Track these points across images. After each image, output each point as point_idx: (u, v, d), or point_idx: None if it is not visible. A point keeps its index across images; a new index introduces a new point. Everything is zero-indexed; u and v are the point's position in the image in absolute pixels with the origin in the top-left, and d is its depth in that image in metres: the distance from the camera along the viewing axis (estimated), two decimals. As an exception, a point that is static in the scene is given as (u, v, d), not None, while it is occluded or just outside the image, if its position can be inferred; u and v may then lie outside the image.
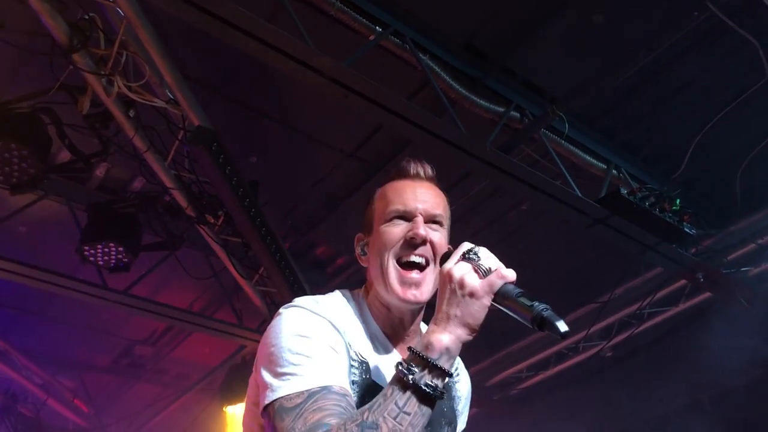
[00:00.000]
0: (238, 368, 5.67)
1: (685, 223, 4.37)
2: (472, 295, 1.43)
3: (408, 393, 1.35)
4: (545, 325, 1.37)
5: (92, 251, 4.41)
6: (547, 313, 1.38)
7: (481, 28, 4.01)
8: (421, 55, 3.87)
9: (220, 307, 5.79)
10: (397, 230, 1.61)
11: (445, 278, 1.44)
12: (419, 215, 1.62)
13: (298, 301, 1.58)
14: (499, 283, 1.45)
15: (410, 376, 1.36)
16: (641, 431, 5.98)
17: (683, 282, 5.31)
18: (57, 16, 3.24)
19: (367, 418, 1.33)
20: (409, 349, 1.41)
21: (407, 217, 1.62)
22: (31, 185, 3.86)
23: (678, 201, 4.32)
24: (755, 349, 5.13)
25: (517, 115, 4.26)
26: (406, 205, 1.63)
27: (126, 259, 4.45)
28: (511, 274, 1.46)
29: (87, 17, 3.32)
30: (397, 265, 1.60)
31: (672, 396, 5.85)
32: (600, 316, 5.46)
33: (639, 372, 5.86)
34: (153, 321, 5.91)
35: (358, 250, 1.70)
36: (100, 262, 4.46)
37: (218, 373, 6.15)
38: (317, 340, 1.48)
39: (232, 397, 5.50)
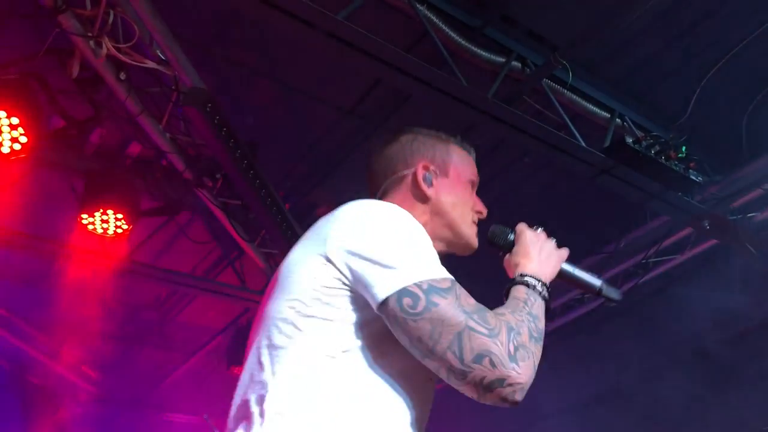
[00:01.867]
0: (243, 330, 5.67)
1: (691, 171, 4.31)
2: (552, 250, 1.70)
3: (538, 301, 1.54)
4: (602, 295, 1.75)
5: (91, 219, 4.35)
6: (605, 287, 1.76)
7: (479, -24, 3.89)
8: (418, 5, 3.75)
9: (223, 270, 5.76)
10: (473, 196, 1.84)
11: (533, 237, 1.71)
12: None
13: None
14: (564, 255, 1.74)
15: (538, 288, 1.56)
16: (646, 380, 6.02)
17: (689, 230, 5.26)
18: (40, -24, 3.12)
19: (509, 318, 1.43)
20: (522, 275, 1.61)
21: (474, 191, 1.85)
22: (24, 153, 3.77)
23: (684, 149, 4.25)
24: (762, 296, 5.13)
25: (519, 65, 4.15)
26: (476, 185, 1.87)
27: (125, 226, 4.40)
28: (566, 253, 1.75)
29: (71, -24, 3.20)
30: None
31: (677, 344, 5.87)
32: (605, 266, 5.43)
33: (644, 322, 5.86)
34: (156, 286, 5.90)
35: (422, 175, 1.75)
36: (99, 230, 4.40)
37: (224, 336, 6.18)
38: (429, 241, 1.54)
39: (238, 359, 5.52)
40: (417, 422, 1.46)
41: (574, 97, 4.39)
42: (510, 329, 1.39)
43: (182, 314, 6.52)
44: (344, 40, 3.36)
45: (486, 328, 1.36)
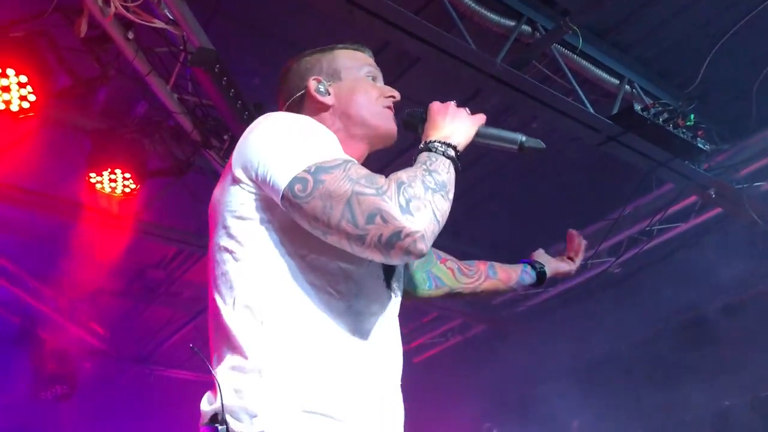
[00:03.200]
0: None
1: (698, 139, 4.30)
2: (463, 116, 1.70)
3: (440, 159, 1.56)
4: (527, 148, 1.82)
5: (99, 178, 4.38)
6: (526, 139, 1.82)
7: (490, -62, 3.83)
8: (428, -33, 3.71)
9: (229, 230, 5.80)
10: (377, 85, 1.84)
11: (441, 107, 1.70)
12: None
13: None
14: (480, 119, 1.74)
15: (440, 149, 1.58)
16: (646, 345, 6.09)
17: (694, 198, 5.27)
18: (46, -68, 3.09)
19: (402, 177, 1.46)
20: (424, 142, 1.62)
21: (378, 83, 1.85)
22: (32, 111, 3.78)
23: (692, 117, 4.23)
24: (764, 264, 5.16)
25: (529, 29, 4.11)
26: (378, 76, 1.87)
27: (133, 185, 4.43)
28: (482, 117, 1.75)
29: (78, -67, 3.17)
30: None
31: (682, 311, 5.92)
32: (610, 233, 5.45)
33: (647, 288, 5.90)
34: (163, 246, 5.95)
35: (314, 87, 1.77)
36: (108, 189, 4.43)
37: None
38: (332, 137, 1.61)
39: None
40: (353, 318, 1.53)
41: (584, 62, 4.36)
42: (400, 184, 1.43)
43: (188, 273, 6.58)
44: (352, 1, 3.33)
45: (374, 188, 1.41)
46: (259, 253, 1.52)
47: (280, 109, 1.83)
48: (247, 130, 1.61)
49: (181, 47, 3.64)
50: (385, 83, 1.89)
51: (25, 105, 3.64)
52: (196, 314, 6.79)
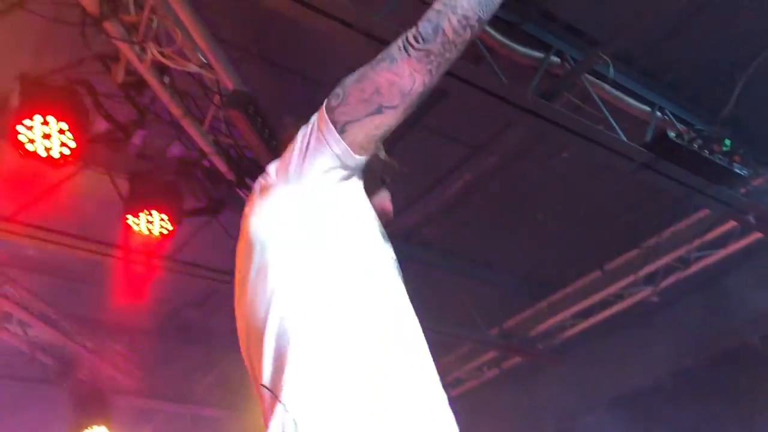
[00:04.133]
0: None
1: (735, 164, 4.24)
2: None
3: None
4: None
5: (136, 220, 4.44)
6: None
7: (516, -28, 3.86)
8: (455, 3, 3.74)
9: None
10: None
11: None
12: None
13: None
14: None
15: None
16: (692, 375, 5.94)
17: (732, 224, 5.18)
18: (85, -17, 3.19)
19: None
20: None
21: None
22: (72, 157, 3.87)
23: (728, 142, 4.18)
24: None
25: (558, 60, 4.12)
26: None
27: (169, 226, 4.48)
28: None
29: (115, -17, 3.27)
30: None
31: (722, 339, 5.78)
32: (647, 261, 5.37)
33: (687, 317, 5.79)
34: (198, 284, 5.99)
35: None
36: (145, 231, 4.49)
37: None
38: None
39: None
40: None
41: (615, 91, 4.34)
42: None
43: (223, 310, 6.61)
44: (381, 39, 3.37)
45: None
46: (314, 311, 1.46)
47: None
48: None
49: (215, 90, 3.71)
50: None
51: (66, 151, 3.73)
52: (230, 351, 6.80)
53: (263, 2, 3.18)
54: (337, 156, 1.47)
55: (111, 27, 3.32)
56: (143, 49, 3.44)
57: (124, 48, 3.44)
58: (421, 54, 1.42)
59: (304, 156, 1.49)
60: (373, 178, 1.69)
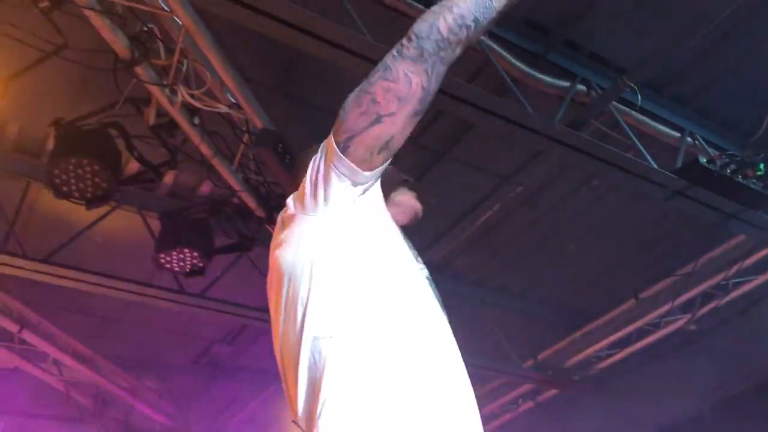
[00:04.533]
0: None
1: (770, 188, 4.15)
2: None
3: None
4: None
5: (167, 258, 4.48)
6: None
7: (540, 2, 3.87)
8: (480, 35, 3.76)
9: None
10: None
11: None
12: None
13: None
14: None
15: None
16: (729, 406, 5.77)
17: (769, 249, 5.07)
18: (117, 30, 3.27)
19: None
20: None
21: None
22: (105, 198, 3.94)
23: (762, 166, 4.10)
24: None
25: (584, 88, 4.11)
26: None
27: (201, 264, 4.51)
28: None
29: (146, 29, 3.34)
30: None
31: (764, 367, 5.62)
32: (683, 289, 5.25)
33: (727, 345, 5.64)
34: (229, 320, 6.01)
35: None
36: (176, 268, 4.53)
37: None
38: None
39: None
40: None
41: (643, 117, 4.31)
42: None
43: (255, 346, 6.62)
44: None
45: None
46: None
47: None
48: None
49: (244, 129, 3.76)
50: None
51: (99, 192, 3.79)
52: (263, 387, 6.79)
53: (290, 42, 3.22)
54: (345, 176, 1.47)
55: (142, 71, 3.40)
56: (174, 92, 3.51)
57: (155, 91, 3.51)
58: (415, 53, 1.40)
59: (316, 183, 1.50)
60: (390, 182, 1.69)
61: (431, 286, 1.62)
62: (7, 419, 6.68)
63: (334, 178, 1.47)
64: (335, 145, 1.45)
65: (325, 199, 1.49)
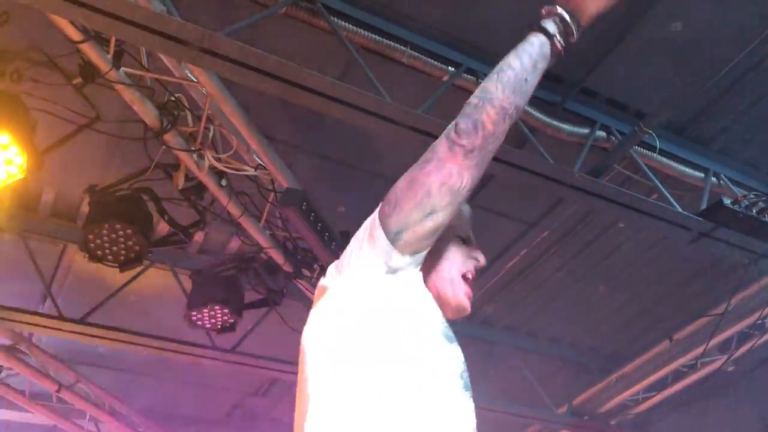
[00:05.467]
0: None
1: (799, 227, 4.10)
2: None
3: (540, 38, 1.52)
4: None
5: (199, 315, 4.58)
6: None
7: (555, 53, 3.94)
8: (496, 89, 3.83)
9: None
10: (463, 248, 1.73)
11: None
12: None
13: None
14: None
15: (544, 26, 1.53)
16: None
17: (805, 286, 4.98)
18: (146, 101, 3.42)
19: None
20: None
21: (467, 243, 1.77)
22: (137, 260, 4.05)
23: (788, 204, 4.07)
24: None
25: (603, 134, 4.14)
26: (470, 235, 1.80)
27: (231, 320, 4.59)
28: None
29: (173, 98, 3.49)
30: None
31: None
32: (717, 329, 5.16)
33: (764, 386, 5.50)
34: (261, 374, 6.05)
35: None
36: (207, 325, 4.61)
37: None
38: None
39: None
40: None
41: (665, 160, 4.31)
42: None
43: (288, 397, 6.63)
44: (426, 131, 3.47)
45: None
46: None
47: None
48: None
49: (271, 188, 3.86)
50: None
51: (131, 255, 3.91)
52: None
53: (309, 105, 3.32)
54: (387, 264, 1.46)
55: (171, 138, 3.54)
56: (201, 156, 3.64)
57: (183, 157, 3.64)
58: (465, 150, 1.43)
59: (355, 258, 1.49)
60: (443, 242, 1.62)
61: (464, 380, 1.45)
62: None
63: (374, 261, 1.47)
64: (385, 235, 1.45)
65: (358, 271, 1.48)
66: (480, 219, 5.20)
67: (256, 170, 3.77)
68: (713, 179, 4.45)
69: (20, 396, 5.87)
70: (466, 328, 5.66)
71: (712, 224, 4.10)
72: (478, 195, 4.76)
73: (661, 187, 4.15)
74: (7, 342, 5.37)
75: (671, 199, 4.13)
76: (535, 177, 3.77)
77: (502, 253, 5.24)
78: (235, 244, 4.95)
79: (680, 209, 4.09)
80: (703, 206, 4.24)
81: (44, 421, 6.31)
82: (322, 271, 4.46)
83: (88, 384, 5.94)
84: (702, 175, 4.41)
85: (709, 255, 4.73)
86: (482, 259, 1.75)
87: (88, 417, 6.25)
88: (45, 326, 4.81)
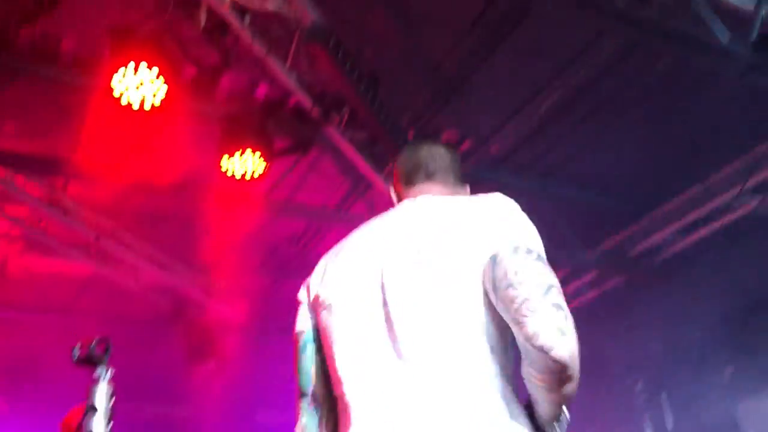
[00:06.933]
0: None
1: None
2: None
3: None
4: None
5: (231, 160, 4.57)
6: None
7: None
8: None
9: (355, 201, 5.92)
10: None
11: None
12: None
13: None
14: None
15: None
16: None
17: None
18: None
19: None
20: None
21: None
22: (166, 104, 3.98)
23: None
24: None
25: (649, -40, 3.85)
26: None
27: (264, 164, 4.59)
28: None
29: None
30: None
31: None
32: (753, 171, 5.04)
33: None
34: (292, 223, 6.17)
35: None
36: (240, 171, 4.62)
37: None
38: None
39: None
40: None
41: (713, -13, 4.02)
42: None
43: (320, 246, 6.79)
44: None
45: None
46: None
47: (448, 168, 2.06)
48: (510, 210, 1.77)
49: (295, 26, 3.71)
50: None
51: (159, 97, 3.84)
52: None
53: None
54: None
55: (189, -29, 3.36)
56: (222, -9, 3.47)
57: (203, -8, 3.47)
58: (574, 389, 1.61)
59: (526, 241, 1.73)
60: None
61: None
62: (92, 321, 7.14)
63: None
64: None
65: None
66: (511, 61, 4.95)
67: (280, 7, 3.59)
68: (764, 11, 4.16)
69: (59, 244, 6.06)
70: (497, 176, 5.63)
71: (762, 57, 3.89)
72: (509, 36, 4.53)
73: (707, 17, 3.90)
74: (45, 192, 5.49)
75: (718, 31, 3.89)
76: (573, 5, 3.55)
77: (535, 96, 5.08)
78: (262, 91, 4.85)
79: (729, 41, 3.86)
80: (753, 38, 3.99)
81: (82, 271, 6.56)
82: (351, 114, 4.38)
83: (127, 233, 6.10)
84: (752, 3, 4.12)
85: (753, 92, 4.53)
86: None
87: (127, 265, 6.46)
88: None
